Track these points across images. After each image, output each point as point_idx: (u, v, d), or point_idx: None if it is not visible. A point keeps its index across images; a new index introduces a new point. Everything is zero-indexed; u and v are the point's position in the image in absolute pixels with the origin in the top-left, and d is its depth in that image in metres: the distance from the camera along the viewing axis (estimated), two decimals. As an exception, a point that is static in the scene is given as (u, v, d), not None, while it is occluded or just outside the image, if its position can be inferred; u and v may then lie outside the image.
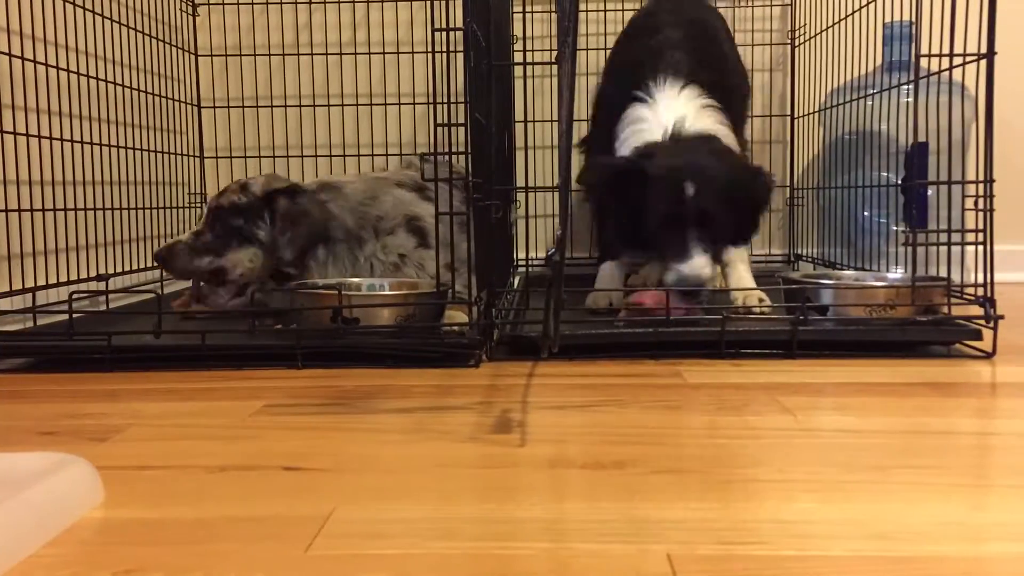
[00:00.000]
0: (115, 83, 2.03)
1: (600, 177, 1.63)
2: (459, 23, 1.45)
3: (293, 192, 1.76)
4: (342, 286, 1.62)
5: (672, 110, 1.66)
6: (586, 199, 1.82)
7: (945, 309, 1.52)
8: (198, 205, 2.46)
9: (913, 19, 1.54)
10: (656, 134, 1.64)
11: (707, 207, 1.52)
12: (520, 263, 2.21)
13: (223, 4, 2.44)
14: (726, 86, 1.77)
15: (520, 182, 2.22)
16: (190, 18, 2.44)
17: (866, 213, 2.18)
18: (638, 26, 1.99)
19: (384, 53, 2.44)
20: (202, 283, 1.78)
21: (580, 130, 2.11)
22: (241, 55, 2.46)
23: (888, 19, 2.04)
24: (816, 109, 2.35)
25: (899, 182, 2.07)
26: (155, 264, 2.08)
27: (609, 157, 1.70)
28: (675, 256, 1.52)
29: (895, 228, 2.14)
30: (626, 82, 1.77)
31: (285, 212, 1.73)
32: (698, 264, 1.51)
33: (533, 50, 2.36)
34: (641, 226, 1.57)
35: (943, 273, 1.58)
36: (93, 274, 1.89)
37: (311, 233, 1.73)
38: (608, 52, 2.12)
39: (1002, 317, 1.47)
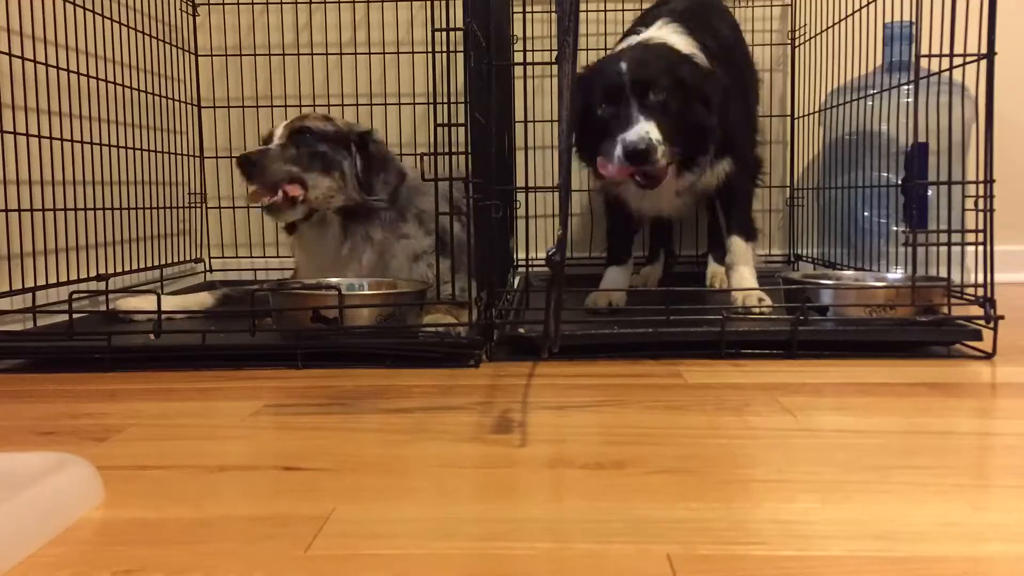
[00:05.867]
0: (115, 83, 2.03)
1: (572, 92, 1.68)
2: (459, 23, 1.45)
3: (375, 137, 1.79)
4: (322, 287, 1.62)
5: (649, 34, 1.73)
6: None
7: (945, 309, 1.52)
8: (198, 205, 2.46)
9: (913, 19, 1.54)
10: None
11: (644, 78, 1.55)
12: (520, 263, 2.21)
13: (223, 4, 2.44)
14: (722, 54, 1.80)
15: (520, 182, 2.23)
16: (190, 18, 2.44)
17: (866, 213, 2.18)
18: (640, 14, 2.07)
19: (384, 53, 2.44)
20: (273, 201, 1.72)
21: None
22: (241, 55, 2.46)
23: (888, 19, 2.04)
24: (816, 109, 2.35)
25: (899, 182, 2.07)
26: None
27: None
28: (620, 128, 1.54)
29: (895, 228, 2.14)
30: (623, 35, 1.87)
31: (378, 154, 1.76)
32: (641, 129, 1.51)
33: (533, 50, 2.36)
34: (596, 124, 1.59)
35: (943, 273, 1.58)
36: (93, 274, 1.89)
37: (399, 178, 1.77)
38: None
39: (1002, 317, 1.47)
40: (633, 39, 1.74)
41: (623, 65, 1.57)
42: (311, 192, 1.72)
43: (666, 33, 1.72)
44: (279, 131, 1.75)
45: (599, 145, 1.59)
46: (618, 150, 1.53)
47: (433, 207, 1.76)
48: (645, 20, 1.85)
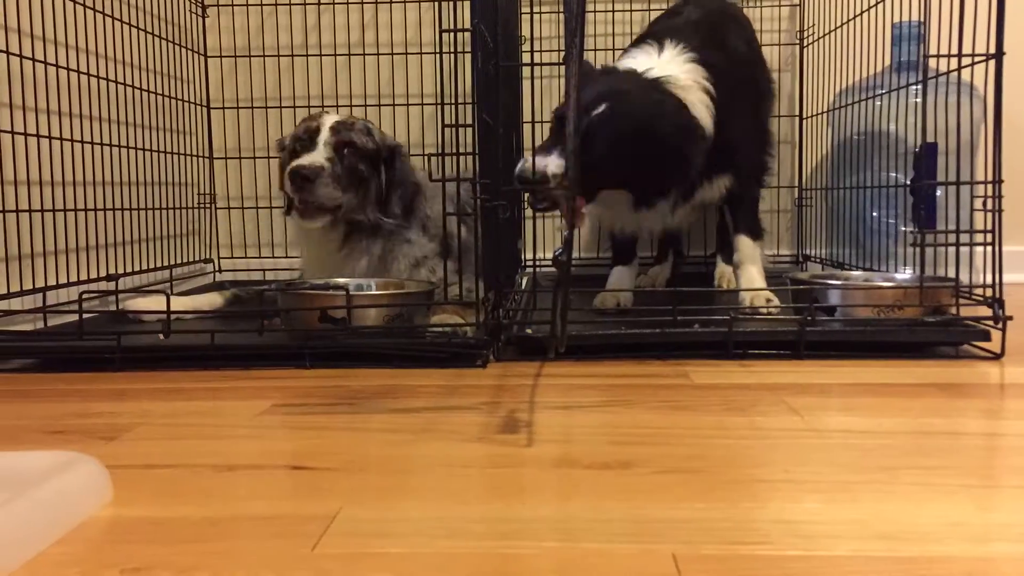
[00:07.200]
0: (125, 84, 2.04)
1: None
2: (467, 24, 1.45)
3: (402, 151, 1.82)
4: (330, 287, 1.63)
5: (645, 63, 1.67)
6: None
7: (953, 310, 1.52)
8: (207, 205, 2.47)
9: (922, 19, 1.53)
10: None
11: (591, 129, 1.50)
12: (527, 263, 2.21)
13: (232, 5, 2.45)
14: (731, 72, 1.76)
15: (528, 183, 2.22)
16: (199, 19, 2.45)
17: (875, 214, 2.18)
18: (658, 16, 2.04)
19: (392, 54, 2.45)
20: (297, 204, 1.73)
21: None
22: (250, 56, 2.47)
23: (897, 19, 2.04)
24: (825, 109, 2.35)
25: (908, 183, 2.06)
26: (164, 265, 2.09)
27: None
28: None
29: (904, 229, 2.13)
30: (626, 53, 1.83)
31: (401, 170, 1.78)
32: (540, 161, 1.45)
33: (541, 51, 2.36)
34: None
35: (952, 274, 1.58)
36: (103, 274, 1.90)
37: (414, 192, 1.79)
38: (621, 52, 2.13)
39: (1011, 318, 1.46)
40: (634, 60, 1.69)
41: (596, 106, 1.52)
42: (341, 208, 1.73)
43: (673, 65, 1.66)
44: (324, 134, 1.73)
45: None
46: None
47: (439, 211, 1.77)
48: (656, 34, 1.79)
